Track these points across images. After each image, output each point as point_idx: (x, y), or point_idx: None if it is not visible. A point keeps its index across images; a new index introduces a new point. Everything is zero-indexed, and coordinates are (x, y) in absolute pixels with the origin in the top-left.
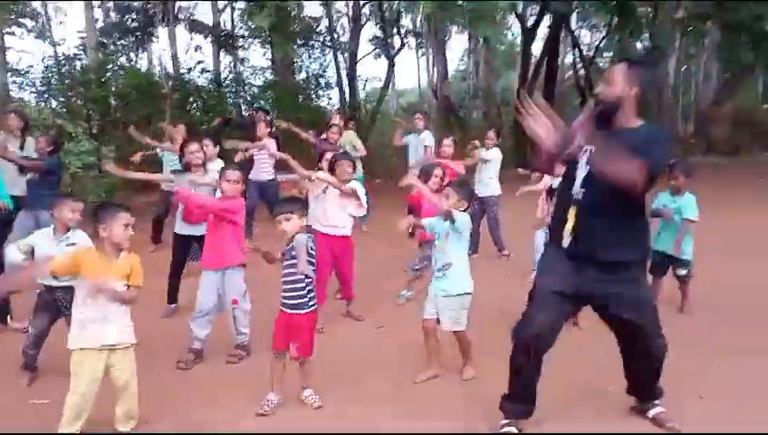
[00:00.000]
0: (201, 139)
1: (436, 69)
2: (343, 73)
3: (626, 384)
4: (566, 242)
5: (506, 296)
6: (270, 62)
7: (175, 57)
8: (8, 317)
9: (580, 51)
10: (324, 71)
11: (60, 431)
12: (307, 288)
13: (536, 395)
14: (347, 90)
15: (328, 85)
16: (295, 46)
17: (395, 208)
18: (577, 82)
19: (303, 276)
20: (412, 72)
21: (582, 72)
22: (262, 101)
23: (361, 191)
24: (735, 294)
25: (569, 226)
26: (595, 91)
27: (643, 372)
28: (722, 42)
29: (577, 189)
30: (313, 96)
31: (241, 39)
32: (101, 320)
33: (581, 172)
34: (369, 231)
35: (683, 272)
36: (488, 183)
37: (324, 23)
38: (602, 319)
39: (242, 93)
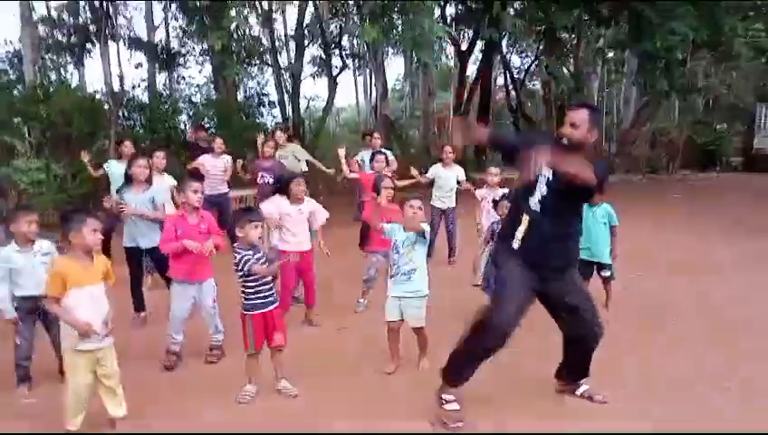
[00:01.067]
0: (151, 155)
1: (375, 89)
2: (285, 92)
3: (554, 370)
4: (516, 244)
5: (457, 297)
6: (209, 80)
7: (121, 76)
8: None
9: (511, 73)
10: (262, 89)
11: (66, 427)
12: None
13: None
14: (289, 108)
15: (271, 104)
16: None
17: (341, 223)
18: (508, 103)
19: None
20: (349, 90)
21: (513, 93)
22: (206, 118)
23: (318, 207)
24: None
25: (521, 229)
26: (562, 131)
27: (581, 353)
28: (638, 69)
29: (535, 203)
30: (256, 114)
31: (182, 57)
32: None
33: (540, 191)
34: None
35: (608, 273)
36: (450, 196)
37: (265, 42)
38: (549, 309)
39: (184, 111)
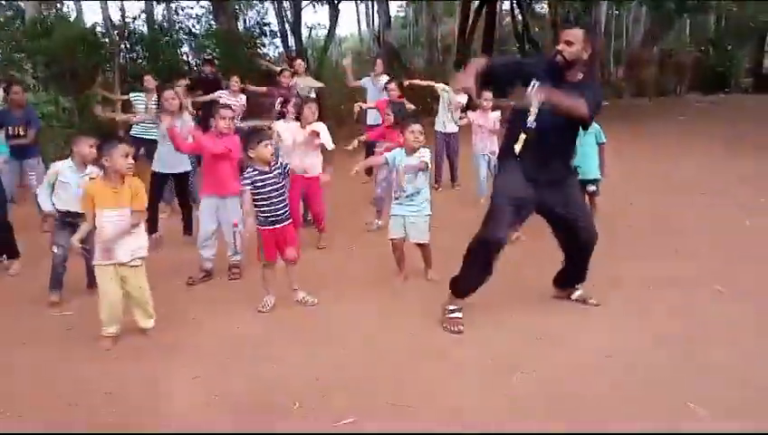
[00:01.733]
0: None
1: (378, 16)
2: (286, 22)
3: (552, 276)
4: (517, 158)
5: (463, 217)
6: (208, 11)
7: (122, 8)
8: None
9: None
10: (262, 18)
11: (102, 334)
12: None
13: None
14: (291, 38)
15: (273, 34)
16: None
17: (347, 151)
18: (515, 28)
19: (285, 194)
20: (351, 19)
21: (520, 17)
22: (208, 50)
23: (325, 130)
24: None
25: (518, 147)
26: (558, 48)
27: (579, 259)
28: None
29: (531, 121)
30: (258, 45)
31: None
32: (116, 241)
33: (533, 112)
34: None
35: (593, 188)
36: (452, 120)
37: None
38: (547, 219)
39: (186, 42)
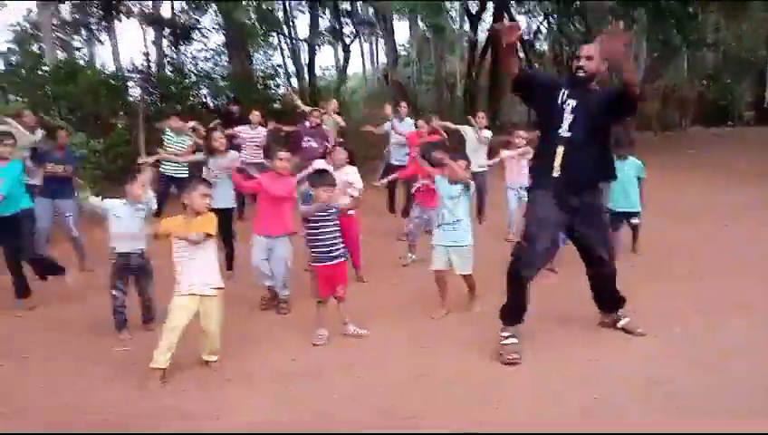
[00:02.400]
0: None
1: (386, 56)
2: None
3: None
4: (556, 173)
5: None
6: (217, 53)
7: (147, 53)
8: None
9: (521, 36)
10: (269, 59)
11: (155, 357)
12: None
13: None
14: (307, 78)
15: (286, 74)
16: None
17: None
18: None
19: (339, 233)
20: (355, 57)
21: (522, 55)
22: (227, 92)
23: (356, 175)
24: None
25: (557, 161)
26: (579, 63)
27: (600, 286)
28: (650, 25)
29: (565, 132)
30: (272, 86)
31: (197, 31)
32: (195, 272)
33: (567, 120)
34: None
35: (636, 221)
36: (480, 160)
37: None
38: (573, 242)
39: (205, 85)
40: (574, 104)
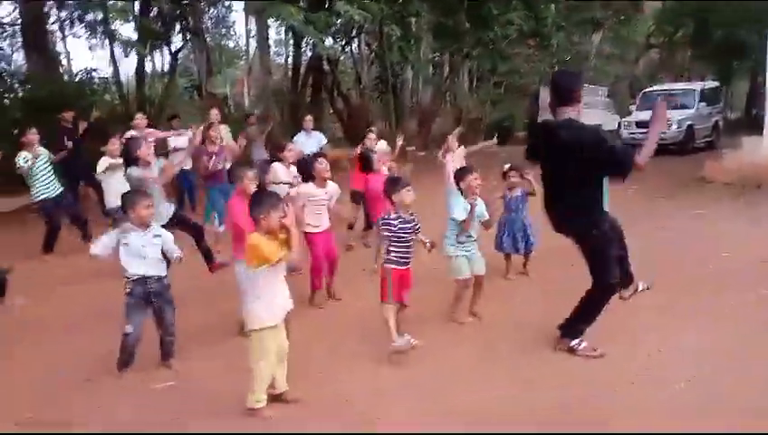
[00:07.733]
0: None
1: (197, 67)
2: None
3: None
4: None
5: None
6: None
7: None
8: None
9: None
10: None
11: (254, 397)
12: None
13: None
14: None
15: (102, 80)
16: None
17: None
18: (323, 82)
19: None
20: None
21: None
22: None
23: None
24: None
25: (606, 196)
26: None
27: (577, 307)
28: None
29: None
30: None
31: None
32: (278, 297)
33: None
34: None
35: None
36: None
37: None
38: None
39: None
40: None
